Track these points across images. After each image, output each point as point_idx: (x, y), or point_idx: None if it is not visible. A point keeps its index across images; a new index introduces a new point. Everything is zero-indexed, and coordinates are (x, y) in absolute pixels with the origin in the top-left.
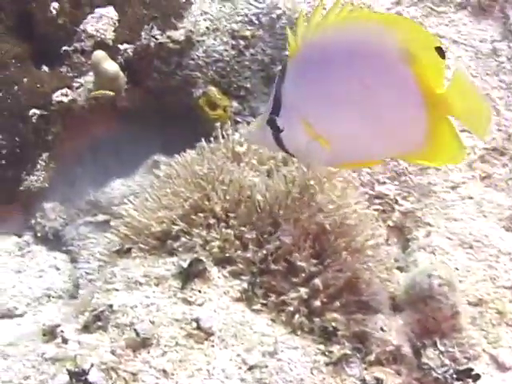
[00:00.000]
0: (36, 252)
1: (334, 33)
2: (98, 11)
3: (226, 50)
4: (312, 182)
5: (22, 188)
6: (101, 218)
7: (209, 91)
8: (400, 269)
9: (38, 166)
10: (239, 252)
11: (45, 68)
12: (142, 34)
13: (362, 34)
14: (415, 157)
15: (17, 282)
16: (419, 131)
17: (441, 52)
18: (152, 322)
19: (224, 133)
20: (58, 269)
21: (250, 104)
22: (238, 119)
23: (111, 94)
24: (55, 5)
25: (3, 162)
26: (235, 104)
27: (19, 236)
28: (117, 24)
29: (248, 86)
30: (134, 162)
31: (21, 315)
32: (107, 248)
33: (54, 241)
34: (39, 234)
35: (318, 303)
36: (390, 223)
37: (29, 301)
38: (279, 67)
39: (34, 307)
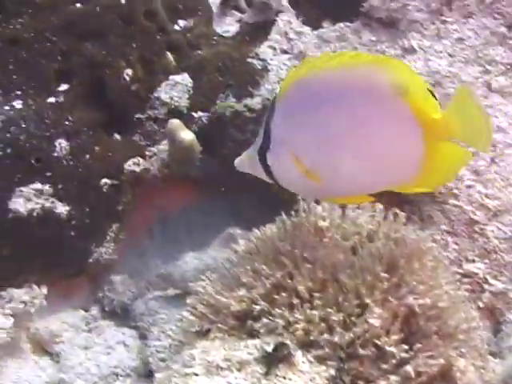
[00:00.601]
0: (103, 327)
1: (325, 71)
2: (173, 78)
3: None
4: (401, 261)
5: (90, 260)
6: (171, 292)
7: None
8: (493, 354)
9: (108, 238)
10: (325, 335)
11: (117, 136)
12: (218, 102)
13: (353, 71)
14: (411, 184)
15: (84, 358)
16: (416, 158)
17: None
18: None
19: (306, 206)
20: (126, 345)
21: None
22: None
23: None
24: (129, 71)
25: (73, 233)
26: None
27: (86, 310)
28: (191, 91)
29: None
30: (205, 234)
31: None
32: (183, 327)
33: (122, 315)
34: (107, 308)
35: None
36: (480, 304)
37: (96, 379)
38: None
39: None
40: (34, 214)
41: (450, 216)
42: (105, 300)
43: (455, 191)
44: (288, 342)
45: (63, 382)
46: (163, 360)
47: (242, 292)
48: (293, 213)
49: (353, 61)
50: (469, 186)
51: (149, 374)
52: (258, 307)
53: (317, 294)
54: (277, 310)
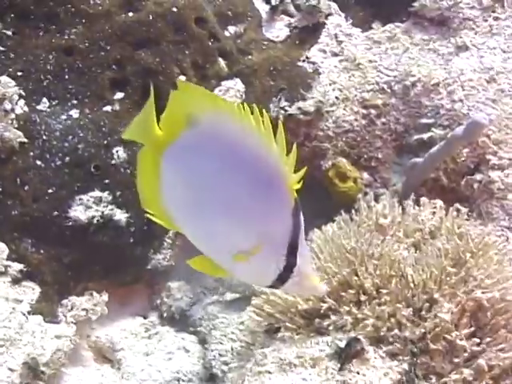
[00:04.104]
0: (163, 333)
1: None
2: (225, 84)
3: (357, 120)
4: (467, 255)
5: (148, 267)
6: (229, 296)
7: (338, 163)
8: None
9: (165, 244)
10: (395, 331)
11: None
12: (271, 105)
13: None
14: None
15: (145, 365)
16: None
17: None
18: None
19: (365, 204)
20: (187, 351)
21: (382, 175)
22: (369, 191)
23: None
24: (182, 78)
25: (131, 240)
26: (366, 175)
27: (145, 317)
28: (244, 96)
29: (379, 156)
30: None
31: None
32: (249, 328)
33: (180, 321)
34: (165, 315)
35: None
36: None
37: None
38: None
39: None
40: (94, 221)
41: (510, 212)
42: (163, 306)
43: None
44: (361, 337)
45: None
46: (226, 363)
47: None
48: (353, 212)
49: None
50: None
51: (210, 377)
52: (325, 305)
53: (384, 290)
54: (344, 307)
